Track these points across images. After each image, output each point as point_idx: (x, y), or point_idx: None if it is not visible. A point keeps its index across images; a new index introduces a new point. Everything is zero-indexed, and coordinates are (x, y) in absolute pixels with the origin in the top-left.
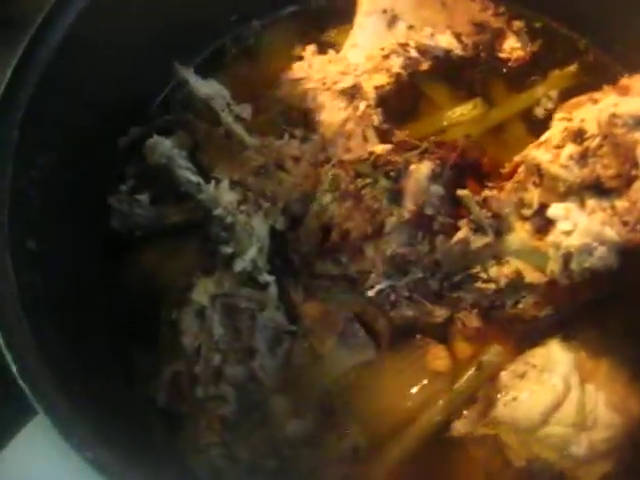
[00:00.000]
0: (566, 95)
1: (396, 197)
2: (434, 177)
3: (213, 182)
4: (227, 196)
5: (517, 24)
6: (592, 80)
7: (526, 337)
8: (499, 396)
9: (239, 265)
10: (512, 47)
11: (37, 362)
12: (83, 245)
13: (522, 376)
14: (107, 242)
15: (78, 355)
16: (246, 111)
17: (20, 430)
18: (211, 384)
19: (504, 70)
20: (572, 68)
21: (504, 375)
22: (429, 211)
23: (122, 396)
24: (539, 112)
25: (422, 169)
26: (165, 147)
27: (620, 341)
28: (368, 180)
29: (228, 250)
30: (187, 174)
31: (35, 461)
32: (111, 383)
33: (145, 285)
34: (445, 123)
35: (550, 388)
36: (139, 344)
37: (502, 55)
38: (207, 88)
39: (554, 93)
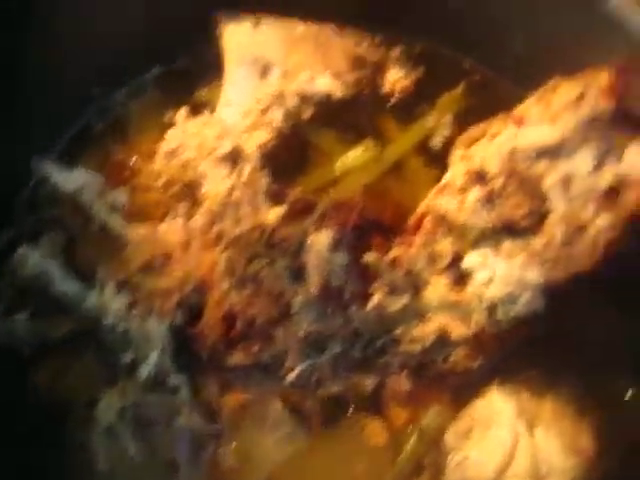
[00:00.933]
0: (462, 119)
1: (298, 274)
2: (335, 245)
3: (97, 288)
4: (114, 302)
5: (396, 52)
6: (482, 100)
7: (463, 390)
8: (448, 459)
9: (144, 371)
10: (395, 78)
11: None
12: None
13: (467, 434)
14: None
15: None
16: (121, 197)
17: None
18: None
19: (390, 104)
20: (459, 90)
21: (448, 437)
22: (336, 282)
23: None
24: (436, 141)
25: (321, 239)
26: (36, 259)
27: (560, 377)
28: (265, 261)
29: (128, 358)
30: (65, 286)
31: None
32: None
33: (49, 406)
34: (337, 172)
35: (498, 443)
36: None
37: (386, 88)
38: (74, 180)
39: (448, 118)
